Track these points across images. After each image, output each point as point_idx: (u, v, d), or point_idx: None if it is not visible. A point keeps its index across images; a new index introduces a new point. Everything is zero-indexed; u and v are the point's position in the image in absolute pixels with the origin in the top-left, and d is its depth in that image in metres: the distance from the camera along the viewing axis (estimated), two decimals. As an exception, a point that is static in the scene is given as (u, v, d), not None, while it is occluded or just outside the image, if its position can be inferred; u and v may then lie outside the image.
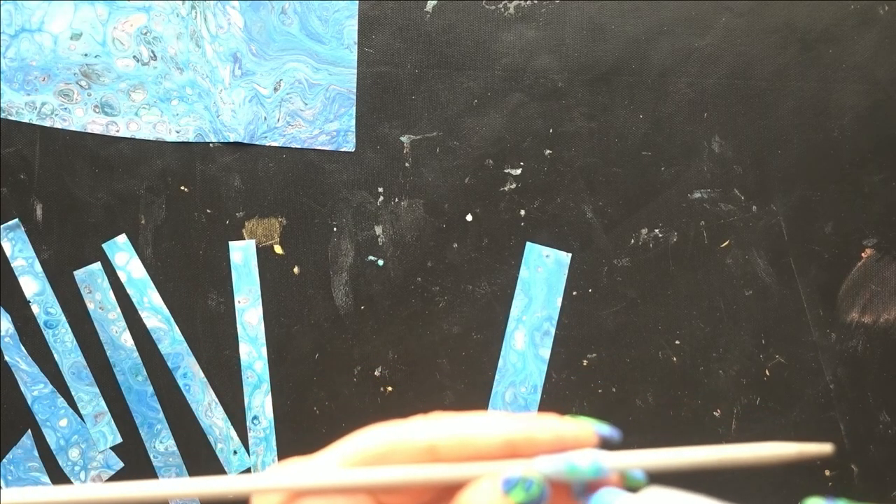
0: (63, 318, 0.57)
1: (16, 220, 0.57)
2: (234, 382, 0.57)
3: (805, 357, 0.55)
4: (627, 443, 0.57)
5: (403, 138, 0.55)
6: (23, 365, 0.58)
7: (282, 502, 0.22)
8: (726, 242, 0.55)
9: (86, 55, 0.55)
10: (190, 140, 0.56)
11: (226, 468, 0.57)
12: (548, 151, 0.55)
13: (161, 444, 0.58)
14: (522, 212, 0.55)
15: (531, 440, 0.22)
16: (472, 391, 0.56)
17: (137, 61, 0.55)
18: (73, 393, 0.58)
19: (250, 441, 0.57)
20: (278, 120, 0.55)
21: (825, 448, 0.22)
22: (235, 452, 0.57)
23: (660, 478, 0.22)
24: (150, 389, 0.57)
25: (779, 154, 0.54)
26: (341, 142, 0.55)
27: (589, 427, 0.23)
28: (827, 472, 0.55)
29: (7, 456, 0.58)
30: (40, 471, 0.58)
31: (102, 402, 0.58)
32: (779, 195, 0.54)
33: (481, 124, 0.55)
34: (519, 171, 0.55)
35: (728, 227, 0.54)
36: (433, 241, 0.56)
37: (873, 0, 0.52)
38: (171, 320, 0.57)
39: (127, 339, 0.57)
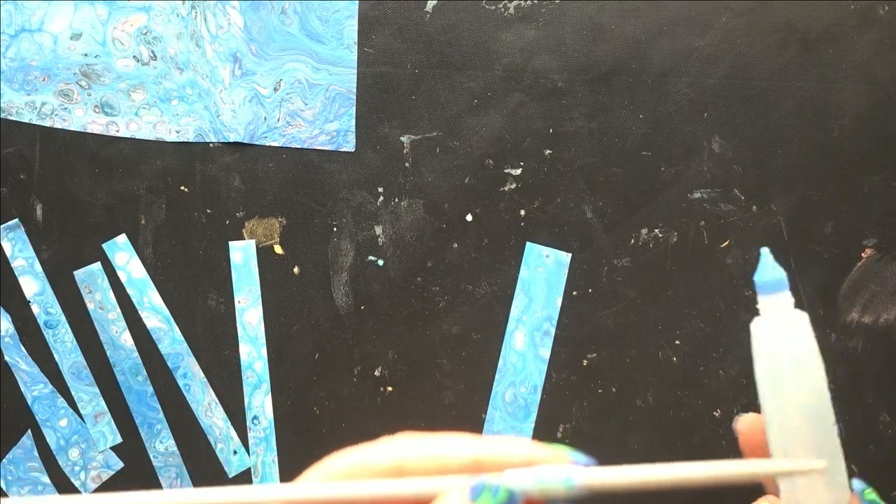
0: (63, 318, 0.57)
1: (16, 220, 0.57)
2: (234, 382, 0.57)
3: (805, 357, 0.55)
4: (628, 443, 0.57)
5: (403, 138, 0.55)
6: (23, 365, 0.58)
7: None
8: (726, 242, 0.55)
9: (86, 55, 0.55)
10: (190, 140, 0.56)
11: (226, 468, 0.57)
12: (548, 151, 0.55)
13: (161, 444, 0.58)
14: (522, 212, 0.55)
15: (500, 461, 0.22)
16: (472, 391, 0.56)
17: (137, 61, 0.55)
18: (73, 393, 0.58)
19: (250, 441, 0.57)
20: (278, 120, 0.55)
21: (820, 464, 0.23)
22: (235, 452, 0.57)
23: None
24: (150, 389, 0.57)
25: (779, 154, 0.54)
26: (341, 142, 0.55)
27: (563, 453, 0.22)
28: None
29: (7, 456, 0.58)
30: (40, 471, 0.58)
31: (102, 402, 0.58)
32: (779, 195, 0.54)
33: (481, 124, 0.55)
34: (519, 171, 0.55)
35: (728, 227, 0.54)
36: (433, 241, 0.56)
37: (873, 0, 0.52)
38: (171, 320, 0.57)
39: (127, 339, 0.57)
